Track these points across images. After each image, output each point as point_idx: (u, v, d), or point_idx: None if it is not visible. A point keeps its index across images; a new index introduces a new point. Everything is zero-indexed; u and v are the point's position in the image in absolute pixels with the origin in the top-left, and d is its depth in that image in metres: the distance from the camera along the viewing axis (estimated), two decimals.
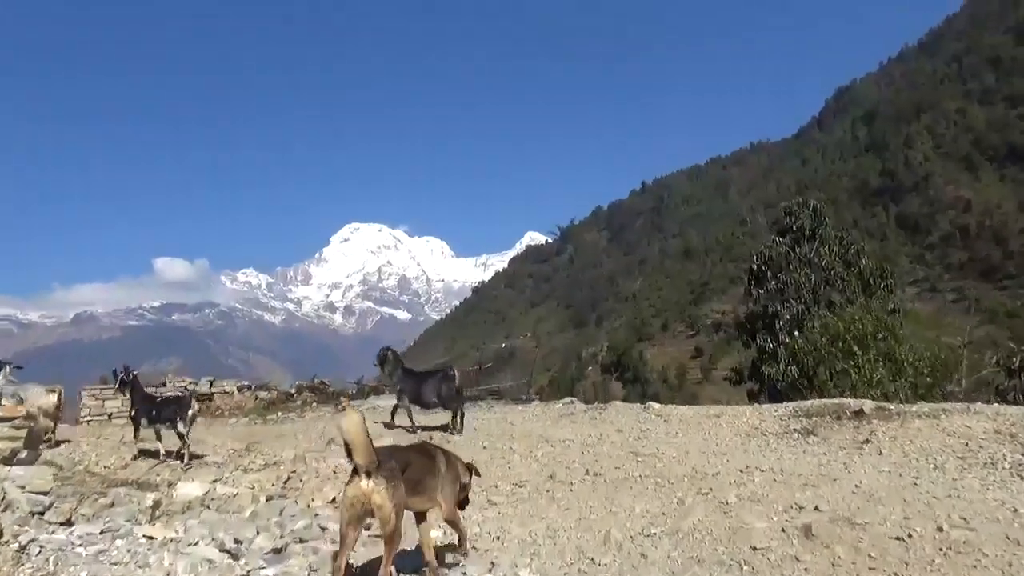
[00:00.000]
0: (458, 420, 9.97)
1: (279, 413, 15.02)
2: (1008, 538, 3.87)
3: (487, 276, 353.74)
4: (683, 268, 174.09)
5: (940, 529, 4.12)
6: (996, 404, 7.89)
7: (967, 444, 6.12)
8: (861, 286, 16.87)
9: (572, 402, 12.99)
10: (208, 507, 6.73)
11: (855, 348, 12.83)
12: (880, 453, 6.37)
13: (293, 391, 17.84)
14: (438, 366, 15.70)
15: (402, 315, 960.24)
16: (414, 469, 4.39)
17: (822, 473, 5.77)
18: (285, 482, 7.92)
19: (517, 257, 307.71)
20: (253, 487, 7.73)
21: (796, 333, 16.26)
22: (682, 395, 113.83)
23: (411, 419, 10.31)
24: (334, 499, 7.03)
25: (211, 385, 17.30)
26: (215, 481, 7.93)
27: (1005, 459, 5.60)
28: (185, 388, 16.20)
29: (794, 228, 18.08)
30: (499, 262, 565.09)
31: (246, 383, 17.75)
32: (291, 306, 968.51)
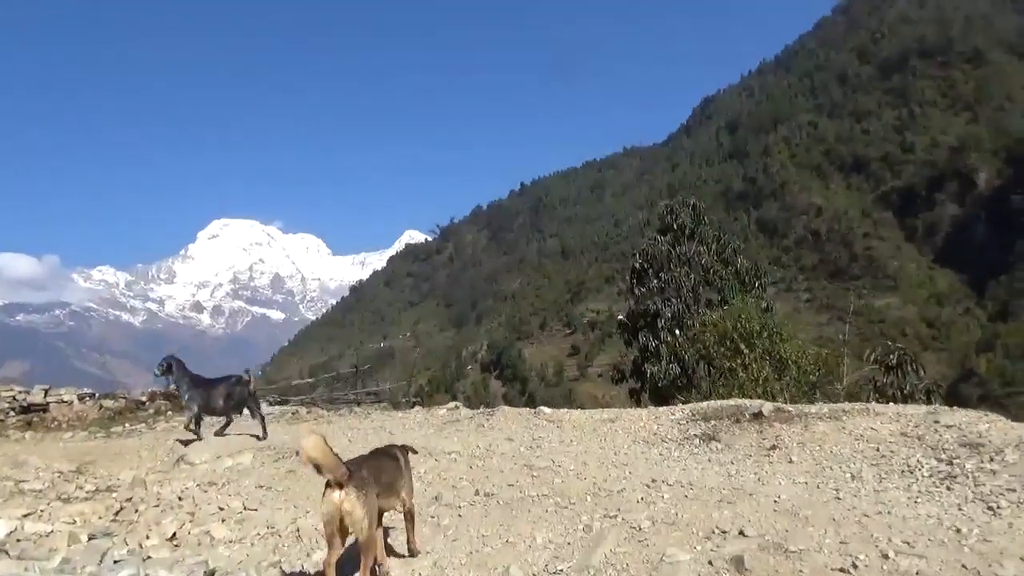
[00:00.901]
0: (261, 426, 9.39)
1: (126, 425, 13.32)
2: (965, 567, 3.45)
3: (365, 275, 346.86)
4: (560, 268, 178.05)
5: (885, 556, 3.64)
6: (893, 404, 7.69)
7: (877, 449, 5.86)
8: (738, 285, 16.97)
9: (457, 407, 12.10)
10: (8, 552, 5.36)
11: (742, 346, 12.70)
12: (791, 461, 6.00)
13: (145, 399, 15.98)
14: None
15: (276, 315, 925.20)
16: (386, 473, 4.66)
17: (735, 486, 5.27)
18: (116, 514, 6.59)
19: (396, 256, 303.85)
20: (74, 522, 6.37)
21: (677, 331, 16.33)
22: (560, 392, 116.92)
23: (198, 428, 9.22)
24: (174, 535, 5.89)
25: (45, 394, 15.15)
26: (26, 516, 6.43)
27: (921, 466, 5.36)
28: (13, 398, 14.41)
29: (675, 227, 18.01)
30: (378, 261, 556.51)
31: (88, 391, 15.71)
32: (153, 306, 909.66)
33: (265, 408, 13.97)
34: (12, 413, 14.31)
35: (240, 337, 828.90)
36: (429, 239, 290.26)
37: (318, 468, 4.05)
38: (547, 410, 9.73)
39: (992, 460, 5.13)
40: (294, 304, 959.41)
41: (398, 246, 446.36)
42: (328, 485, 4.08)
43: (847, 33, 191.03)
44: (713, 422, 7.73)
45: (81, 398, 15.07)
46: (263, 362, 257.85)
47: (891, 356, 11.42)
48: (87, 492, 7.44)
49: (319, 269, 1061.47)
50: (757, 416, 7.39)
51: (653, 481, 5.62)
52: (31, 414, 14.23)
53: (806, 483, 5.33)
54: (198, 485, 7.30)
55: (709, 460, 6.48)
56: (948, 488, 4.84)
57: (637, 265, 18.25)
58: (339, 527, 4.10)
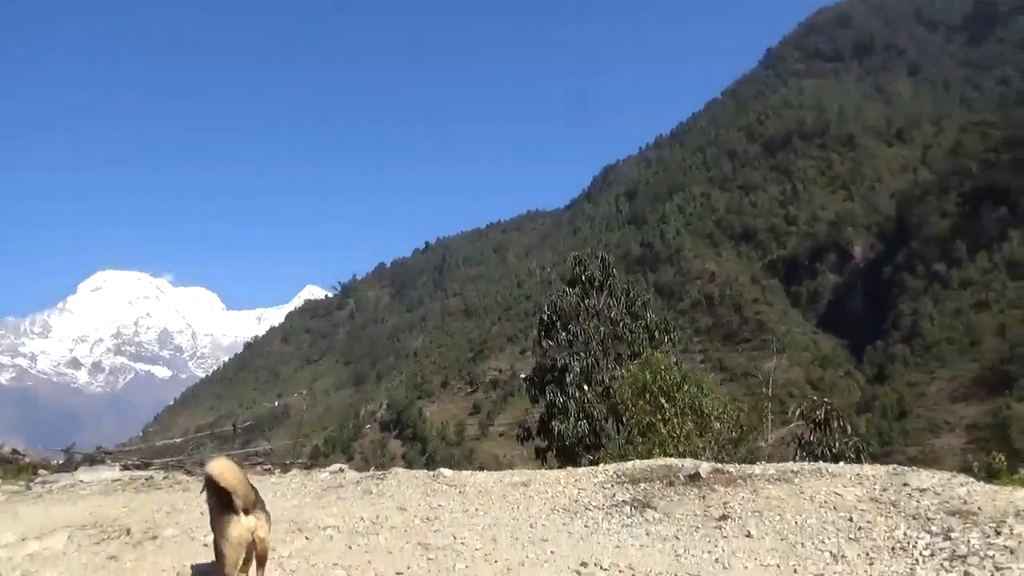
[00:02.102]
0: None
1: None
2: None
3: (262, 330, 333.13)
4: (463, 326, 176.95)
5: None
6: (845, 464, 6.90)
7: (850, 519, 4.92)
8: (648, 338, 16.40)
9: (341, 470, 10.49)
10: None
11: (663, 400, 11.93)
12: (749, 535, 4.96)
13: None
14: None
15: (162, 372, 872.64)
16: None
17: (690, 571, 4.21)
18: None
19: (295, 312, 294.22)
20: None
21: (586, 387, 15.66)
22: (461, 451, 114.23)
23: None
24: None
25: None
26: None
27: (914, 541, 4.41)
28: None
29: (583, 279, 17.37)
30: (275, 316, 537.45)
31: None
32: (24, 361, 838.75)
33: (112, 473, 12.11)
34: None
35: (121, 396, 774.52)
36: (330, 295, 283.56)
37: (232, 493, 4.20)
38: (447, 472, 8.49)
39: (998, 533, 4.30)
40: (182, 360, 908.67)
41: (297, 301, 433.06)
42: (235, 511, 4.22)
43: (736, 114, 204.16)
44: (643, 485, 6.68)
45: None
46: (146, 422, 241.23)
47: (818, 412, 10.87)
48: None
49: (212, 324, 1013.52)
50: (694, 478, 6.42)
51: (583, 565, 4.50)
52: None
53: (778, 565, 4.32)
54: None
55: (647, 534, 5.38)
56: (966, 573, 3.91)
57: (545, 317, 17.39)
58: (246, 550, 4.32)
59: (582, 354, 16.09)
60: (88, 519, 7.01)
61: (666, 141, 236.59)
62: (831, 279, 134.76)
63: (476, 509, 6.71)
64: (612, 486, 6.89)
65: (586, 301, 16.89)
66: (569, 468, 8.07)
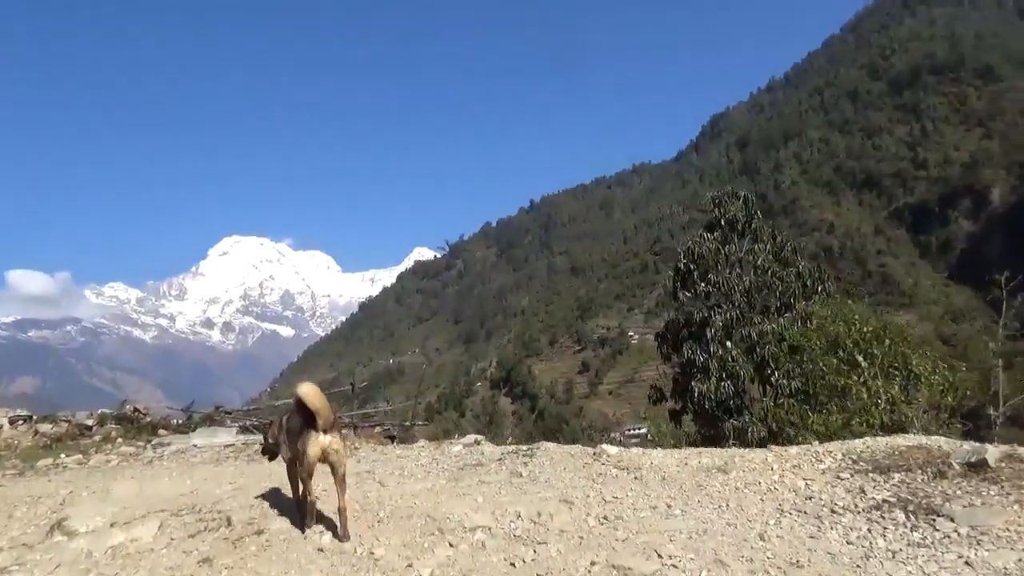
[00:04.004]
0: None
1: (61, 456, 10.87)
2: None
3: (375, 291, 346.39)
4: (570, 284, 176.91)
5: None
6: None
7: None
8: (801, 289, 14.60)
9: (477, 442, 8.94)
10: None
11: (860, 358, 10.09)
12: None
13: (92, 423, 13.64)
14: None
15: (285, 331, 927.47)
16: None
17: None
18: None
19: (405, 272, 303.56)
20: None
21: (729, 343, 14.05)
22: (570, 409, 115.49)
23: None
24: None
25: None
26: None
27: None
28: None
29: (723, 223, 15.48)
30: (387, 277, 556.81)
31: (23, 413, 13.66)
32: (164, 322, 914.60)
33: (227, 437, 11.85)
34: None
35: (250, 353, 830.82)
36: (438, 256, 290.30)
37: (316, 413, 4.75)
38: (611, 450, 6.98)
39: None
40: (304, 320, 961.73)
41: (407, 263, 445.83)
42: (315, 430, 4.78)
43: (856, 50, 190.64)
44: (898, 476, 5.07)
45: (13, 422, 13.20)
46: (273, 378, 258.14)
47: None
48: None
49: (329, 286, 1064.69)
50: (977, 467, 4.83)
51: None
52: None
53: None
54: None
55: (967, 563, 3.76)
56: None
57: (682, 266, 15.52)
58: (319, 462, 4.86)
59: (724, 306, 14.47)
60: (187, 501, 6.28)
61: (779, 84, 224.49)
62: (965, 226, 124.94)
63: (668, 505, 5.29)
64: (852, 476, 5.41)
65: (727, 247, 15.21)
66: (776, 449, 6.55)
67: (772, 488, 5.46)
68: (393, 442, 13.93)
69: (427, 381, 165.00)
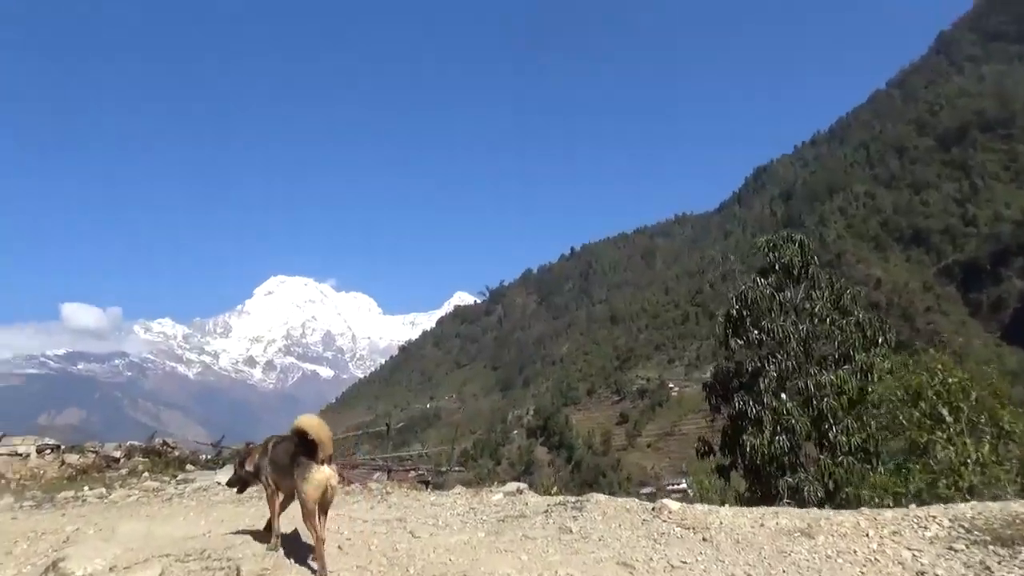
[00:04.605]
0: None
1: (85, 488, 10.80)
2: None
3: (415, 335, 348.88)
4: (609, 334, 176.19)
5: None
6: None
7: None
8: (861, 340, 13.70)
9: (519, 491, 8.27)
10: None
11: (944, 412, 9.35)
12: None
13: (119, 455, 13.61)
14: None
15: (325, 372, 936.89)
16: None
17: None
18: None
19: (445, 317, 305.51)
20: None
21: (783, 395, 13.32)
22: (607, 461, 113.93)
23: None
24: None
25: None
26: None
27: None
28: None
29: (777, 267, 14.74)
30: (427, 321, 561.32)
31: (50, 442, 13.52)
32: (208, 359, 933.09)
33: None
34: None
35: (290, 393, 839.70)
36: (478, 301, 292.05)
37: (319, 445, 4.91)
38: (674, 506, 6.24)
39: None
40: (344, 362, 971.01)
41: (447, 307, 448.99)
42: (317, 461, 4.94)
43: (903, 106, 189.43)
44: None
45: (40, 451, 13.06)
46: None
47: None
48: None
49: (370, 328, 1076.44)
50: None
51: None
52: None
53: None
54: None
55: None
56: None
57: (733, 312, 14.73)
58: (324, 494, 5.01)
59: (778, 355, 13.63)
60: (197, 545, 5.90)
61: (824, 138, 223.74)
62: (1018, 285, 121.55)
63: (748, 575, 4.66)
64: (968, 548, 4.74)
65: (782, 293, 14.48)
66: (867, 512, 5.95)
67: (872, 559, 4.81)
68: (427, 488, 13.61)
69: (463, 427, 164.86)
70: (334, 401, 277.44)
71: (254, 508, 7.86)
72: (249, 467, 5.98)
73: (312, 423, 4.98)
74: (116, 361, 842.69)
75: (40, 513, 8.61)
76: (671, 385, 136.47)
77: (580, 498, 7.09)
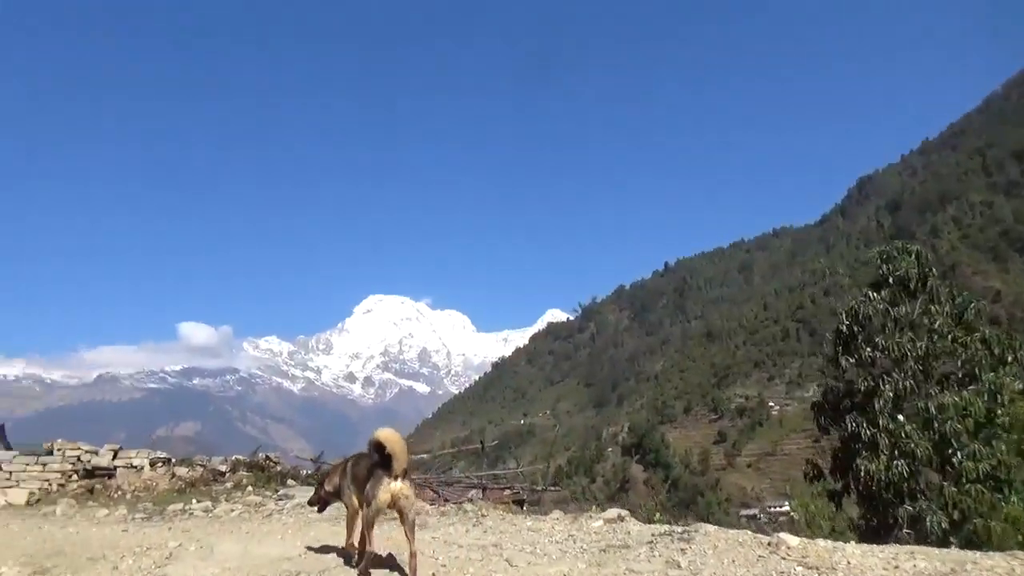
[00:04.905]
0: None
1: (193, 501, 11.34)
2: None
3: (508, 351, 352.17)
4: (706, 350, 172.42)
5: None
6: None
7: None
8: (988, 358, 12.63)
9: (621, 518, 7.84)
10: None
11: None
12: None
13: (225, 468, 14.19)
14: None
15: (421, 388, 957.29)
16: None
17: None
18: None
19: (538, 334, 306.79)
20: None
21: (901, 417, 12.49)
22: (706, 481, 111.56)
23: None
24: None
25: (114, 456, 13.67)
26: None
27: None
28: (78, 458, 13.44)
29: (891, 281, 13.81)
30: (520, 338, 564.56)
31: (162, 455, 14.18)
32: (311, 375, 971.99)
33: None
34: (75, 476, 13.14)
35: (388, 408, 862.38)
36: (571, 318, 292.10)
37: (393, 458, 4.94)
38: (792, 541, 5.71)
39: None
40: (439, 378, 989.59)
41: (540, 324, 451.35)
42: (389, 475, 4.98)
43: (1022, 109, 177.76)
44: None
45: (153, 464, 13.71)
46: (407, 433, 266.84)
47: None
48: None
49: (464, 345, 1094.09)
50: None
51: None
52: (95, 479, 13.16)
53: None
54: None
55: None
56: None
57: (844, 329, 13.88)
58: (386, 509, 5.06)
59: (894, 374, 12.76)
60: (292, 568, 5.91)
61: (934, 146, 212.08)
62: None
63: None
64: None
65: (896, 308, 13.57)
66: (1021, 556, 5.24)
67: None
68: (522, 507, 13.77)
69: (557, 444, 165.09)
70: (430, 416, 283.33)
71: (335, 529, 7.79)
72: (329, 487, 6.10)
73: (388, 436, 4.98)
74: (227, 376, 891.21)
75: (149, 526, 9.02)
76: (771, 403, 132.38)
77: (687, 528, 6.73)
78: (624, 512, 8.15)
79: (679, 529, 6.78)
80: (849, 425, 12.96)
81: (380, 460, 5.00)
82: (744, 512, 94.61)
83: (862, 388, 13.12)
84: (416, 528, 5.33)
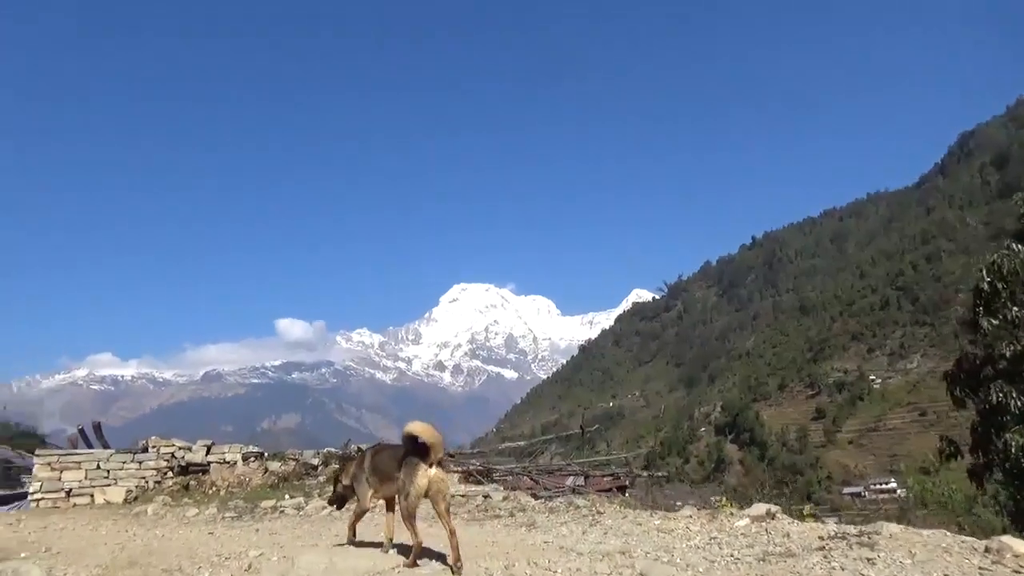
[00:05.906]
0: None
1: (286, 496, 11.29)
2: None
3: (594, 334, 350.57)
4: (799, 324, 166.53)
5: None
6: None
7: None
8: None
9: (770, 515, 6.73)
10: None
11: None
12: None
13: (317, 463, 14.11)
14: None
15: (509, 374, 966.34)
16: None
17: None
18: None
19: (624, 314, 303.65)
20: None
21: None
22: (805, 459, 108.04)
23: None
24: None
25: (207, 452, 13.74)
26: None
27: None
28: (172, 455, 13.54)
29: None
30: (605, 320, 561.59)
31: (255, 450, 14.17)
32: (402, 365, 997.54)
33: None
34: (170, 473, 13.22)
35: (478, 395, 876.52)
36: (656, 297, 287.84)
37: (431, 448, 5.04)
38: (1019, 546, 4.72)
39: None
40: (526, 363, 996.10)
41: (625, 305, 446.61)
42: (426, 463, 5.06)
43: None
44: None
45: (246, 458, 13.74)
46: (498, 419, 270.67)
47: None
48: None
49: (549, 329, 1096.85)
50: None
51: None
52: (189, 475, 13.22)
53: None
54: None
55: None
56: None
57: (985, 287, 12.29)
58: (424, 495, 5.13)
59: None
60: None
61: None
62: None
63: None
64: None
65: None
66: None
67: None
68: (624, 493, 13.33)
69: (648, 425, 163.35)
70: (519, 402, 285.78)
71: (444, 533, 6.83)
72: (346, 480, 6.09)
73: (420, 428, 5.09)
74: (323, 369, 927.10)
75: (236, 526, 8.66)
76: (872, 377, 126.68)
77: (865, 529, 5.69)
78: (774, 508, 7.05)
79: (853, 530, 5.75)
80: (994, 395, 11.55)
81: (414, 449, 5.11)
82: (847, 490, 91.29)
83: (1007, 353, 11.68)
84: (523, 528, 5.41)
